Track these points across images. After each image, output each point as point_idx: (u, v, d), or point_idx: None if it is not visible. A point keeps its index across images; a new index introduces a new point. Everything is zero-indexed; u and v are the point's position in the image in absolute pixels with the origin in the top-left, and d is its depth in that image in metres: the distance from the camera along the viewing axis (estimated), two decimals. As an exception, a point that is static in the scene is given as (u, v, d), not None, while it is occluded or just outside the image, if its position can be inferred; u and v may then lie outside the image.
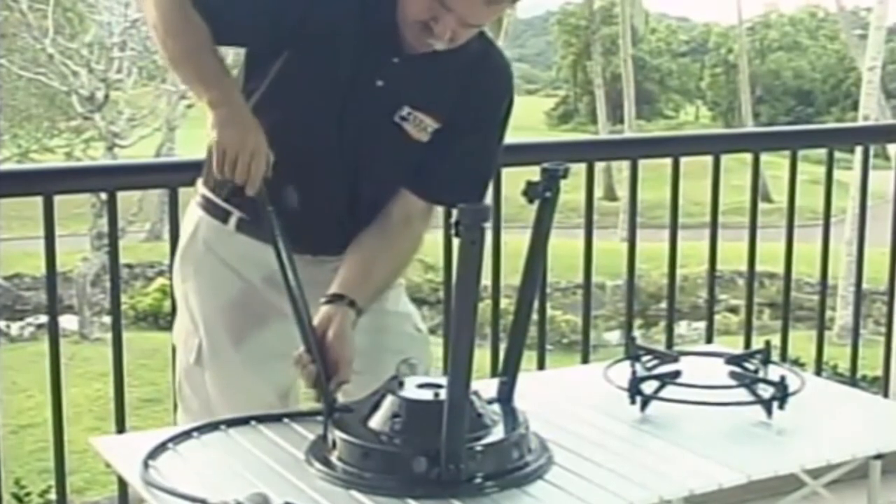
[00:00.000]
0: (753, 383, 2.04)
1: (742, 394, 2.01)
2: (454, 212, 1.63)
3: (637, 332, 5.40)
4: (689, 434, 1.91)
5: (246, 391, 2.11)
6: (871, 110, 15.12)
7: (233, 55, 2.75)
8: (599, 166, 4.46)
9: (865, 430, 2.03)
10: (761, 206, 3.52)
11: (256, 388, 2.11)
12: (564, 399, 2.08)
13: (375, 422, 1.72)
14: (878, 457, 1.94)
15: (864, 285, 3.98)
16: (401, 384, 1.77)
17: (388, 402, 1.73)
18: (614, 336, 13.01)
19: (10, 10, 16.80)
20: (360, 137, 2.05)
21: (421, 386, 1.76)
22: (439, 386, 1.72)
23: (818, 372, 3.66)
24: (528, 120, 29.50)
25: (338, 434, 1.73)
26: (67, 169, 5.36)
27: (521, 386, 1.88)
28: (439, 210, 2.40)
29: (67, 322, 13.94)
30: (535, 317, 2.17)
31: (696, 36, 39.04)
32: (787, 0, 44.81)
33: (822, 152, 3.63)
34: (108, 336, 3.20)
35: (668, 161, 3.32)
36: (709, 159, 3.37)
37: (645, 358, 2.14)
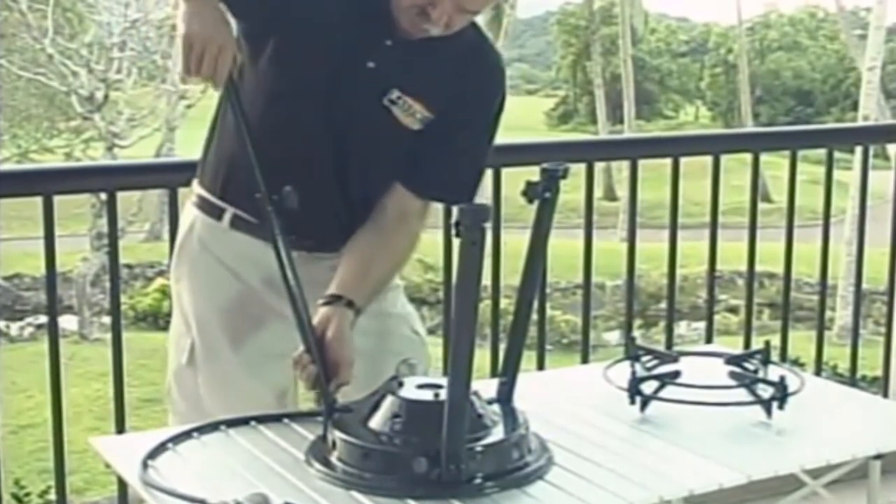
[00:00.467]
0: (753, 383, 2.04)
1: (742, 394, 2.01)
2: (454, 212, 1.63)
3: (637, 332, 5.40)
4: (688, 434, 1.91)
5: (242, 393, 2.10)
6: (870, 110, 15.13)
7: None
8: (599, 166, 4.45)
9: (865, 430, 2.03)
10: (761, 206, 3.52)
11: (254, 390, 2.10)
12: (564, 399, 2.08)
13: (375, 422, 1.72)
14: (878, 457, 1.94)
15: (864, 285, 3.98)
16: (400, 384, 1.77)
17: (388, 403, 1.73)
18: (614, 336, 13.01)
19: (10, 10, 16.80)
20: (349, 119, 2.04)
21: (421, 386, 1.76)
22: (439, 386, 1.72)
23: (818, 372, 3.66)
24: (528, 120, 29.51)
25: (338, 434, 1.73)
26: (67, 169, 5.36)
27: (521, 386, 1.88)
28: (438, 209, 2.40)
29: (67, 322, 13.94)
30: (534, 317, 2.17)
31: (696, 36, 39.04)
32: (786, 0, 44.82)
33: (821, 152, 3.64)
34: (108, 336, 3.20)
35: (667, 161, 3.32)
36: (709, 159, 3.37)
37: (645, 358, 2.14)
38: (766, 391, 2.00)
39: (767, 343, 2.21)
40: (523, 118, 26.37)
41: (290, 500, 1.59)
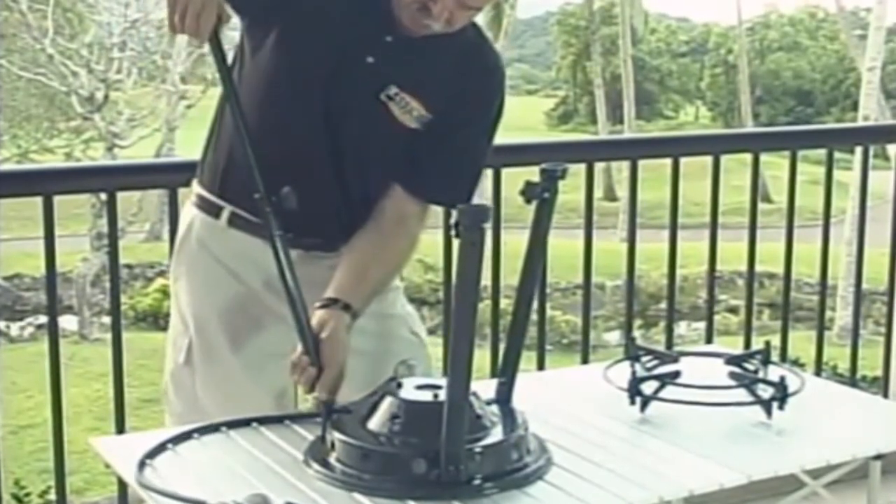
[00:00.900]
0: (753, 384, 2.04)
1: (742, 394, 2.01)
2: (454, 212, 1.63)
3: (637, 333, 5.40)
4: (688, 434, 1.91)
5: (240, 394, 2.10)
6: (870, 110, 15.13)
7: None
8: (599, 166, 4.45)
9: (865, 431, 2.03)
10: (761, 206, 3.52)
11: (251, 391, 2.10)
12: (564, 399, 2.07)
13: (374, 423, 1.72)
14: (878, 457, 1.94)
15: (864, 285, 3.98)
16: (399, 385, 1.77)
17: (388, 404, 1.73)
18: (614, 336, 13.01)
19: (10, 11, 16.81)
20: (346, 114, 2.03)
21: (420, 387, 1.76)
22: (438, 387, 1.72)
23: (818, 372, 3.66)
24: (528, 120, 29.52)
25: (337, 435, 1.73)
26: (67, 169, 5.37)
27: (521, 386, 1.88)
28: (438, 210, 2.40)
29: (67, 322, 13.94)
30: (534, 317, 2.17)
31: (696, 36, 39.04)
32: (786, 0, 44.81)
33: (821, 152, 3.63)
34: (108, 336, 3.20)
35: (667, 161, 3.32)
36: (709, 159, 3.37)
37: (645, 358, 2.14)
38: (766, 391, 2.00)
39: (768, 343, 2.21)
40: (523, 118, 26.38)
41: (290, 500, 1.58)
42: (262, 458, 1.78)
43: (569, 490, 1.69)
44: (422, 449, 1.65)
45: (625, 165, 4.23)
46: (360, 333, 1.98)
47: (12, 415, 10.65)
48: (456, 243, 1.62)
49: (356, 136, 2.05)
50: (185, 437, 1.85)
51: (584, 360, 3.30)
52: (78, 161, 15.53)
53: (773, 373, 2.07)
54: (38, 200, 2.61)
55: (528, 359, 1.93)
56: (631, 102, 24.72)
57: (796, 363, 4.78)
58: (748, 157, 3.45)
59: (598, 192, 9.46)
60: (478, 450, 1.67)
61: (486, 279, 1.77)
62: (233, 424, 1.90)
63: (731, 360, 2.16)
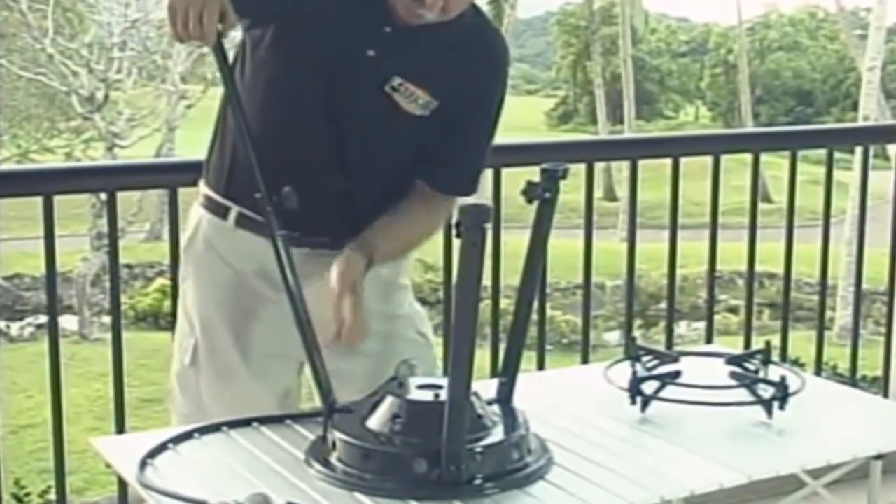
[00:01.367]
0: (754, 383, 2.04)
1: (742, 394, 2.01)
2: (454, 212, 1.63)
3: (637, 333, 5.40)
4: (689, 434, 1.91)
5: (244, 394, 2.09)
6: (870, 110, 15.13)
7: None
8: (599, 166, 4.46)
9: (865, 431, 2.03)
10: (761, 206, 3.52)
11: (256, 391, 2.09)
12: (564, 399, 2.08)
13: (375, 423, 1.72)
14: (879, 457, 1.94)
15: (864, 285, 3.98)
16: (401, 385, 1.77)
17: (389, 403, 1.73)
18: (614, 336, 13.01)
19: (10, 10, 16.81)
20: (350, 108, 2.03)
21: (421, 387, 1.76)
22: (439, 387, 1.72)
23: (818, 372, 3.66)
24: (528, 120, 29.51)
25: (338, 435, 1.73)
26: (67, 169, 5.37)
27: (521, 386, 1.88)
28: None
29: (67, 322, 13.95)
30: (534, 317, 2.16)
31: (696, 36, 39.03)
32: (787, 0, 44.79)
33: (822, 152, 3.63)
34: (108, 336, 3.20)
35: (668, 161, 3.32)
36: (709, 159, 3.37)
37: (645, 358, 2.14)
38: (766, 391, 2.00)
39: (768, 343, 2.21)
40: (523, 118, 26.36)
41: (291, 500, 1.58)
42: (263, 457, 1.78)
43: (569, 490, 1.69)
44: (423, 449, 1.65)
45: (625, 165, 4.23)
46: (371, 337, 1.98)
47: (12, 415, 10.65)
48: (457, 243, 1.62)
49: (361, 131, 2.05)
50: (185, 436, 1.85)
51: (585, 360, 3.30)
52: (78, 161, 15.54)
53: (774, 373, 2.07)
54: (38, 200, 2.60)
55: (528, 359, 1.93)
56: (631, 102, 24.71)
57: (796, 363, 4.77)
58: (748, 157, 3.45)
59: (598, 192, 9.45)
60: (479, 450, 1.67)
61: (486, 279, 1.77)
62: (233, 424, 1.90)
63: (732, 359, 2.16)
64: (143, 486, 1.68)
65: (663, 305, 5.52)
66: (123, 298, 5.90)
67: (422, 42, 2.02)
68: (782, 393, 1.96)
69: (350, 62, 2.02)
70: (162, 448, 1.80)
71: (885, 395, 3.72)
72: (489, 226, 1.62)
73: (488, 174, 2.67)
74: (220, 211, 2.12)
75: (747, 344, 3.45)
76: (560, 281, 14.38)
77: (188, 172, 2.29)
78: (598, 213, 3.35)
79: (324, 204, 2.03)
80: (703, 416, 1.95)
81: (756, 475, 1.77)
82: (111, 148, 16.74)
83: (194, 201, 2.20)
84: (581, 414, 1.99)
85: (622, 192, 21.66)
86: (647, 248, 4.84)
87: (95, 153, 17.23)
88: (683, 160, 3.33)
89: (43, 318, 13.44)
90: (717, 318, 4.27)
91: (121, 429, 2.71)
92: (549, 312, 3.83)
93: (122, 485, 2.65)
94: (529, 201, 1.79)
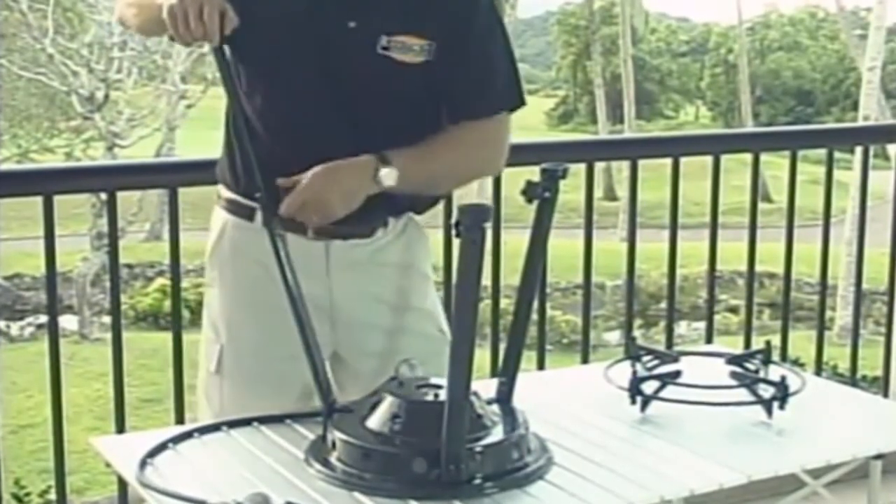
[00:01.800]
0: (754, 383, 2.04)
1: (742, 394, 2.01)
2: (454, 212, 1.63)
3: (637, 332, 5.41)
4: (689, 434, 1.91)
5: (267, 396, 2.05)
6: (871, 110, 15.13)
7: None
8: (599, 166, 4.46)
9: (865, 430, 2.03)
10: (761, 206, 3.52)
11: (279, 393, 2.06)
12: (564, 399, 2.07)
13: (375, 422, 1.72)
14: (879, 457, 1.94)
15: (864, 285, 3.98)
16: (400, 384, 1.77)
17: (388, 403, 1.73)
18: (614, 336, 13.01)
19: (10, 10, 16.81)
20: (352, 82, 2.02)
21: (421, 386, 1.76)
22: (439, 386, 1.72)
23: (818, 372, 3.66)
24: (528, 120, 29.48)
25: (338, 435, 1.73)
26: (67, 169, 5.36)
27: (521, 386, 1.88)
28: (439, 209, 2.39)
29: (67, 322, 13.95)
30: (534, 317, 2.16)
31: (696, 36, 39.06)
32: (787, 0, 44.83)
33: (822, 152, 3.63)
34: (108, 336, 3.20)
35: (668, 161, 3.32)
36: (709, 159, 3.37)
37: (645, 358, 2.14)
38: (766, 391, 2.00)
39: (768, 343, 2.21)
40: (523, 118, 26.18)
41: (291, 500, 1.58)
42: (263, 457, 1.78)
43: (569, 489, 1.69)
44: (422, 448, 1.65)
45: (625, 165, 4.23)
46: (378, 332, 2.01)
47: (12, 414, 10.66)
48: (456, 243, 1.62)
49: (371, 100, 2.03)
50: (185, 436, 1.85)
51: (585, 360, 3.30)
52: (78, 161, 15.55)
53: (774, 372, 2.07)
54: (38, 200, 2.60)
55: (528, 358, 1.93)
56: (631, 102, 24.71)
57: (796, 363, 4.77)
58: (748, 157, 3.45)
59: (598, 192, 9.46)
60: (478, 449, 1.67)
61: (486, 279, 1.77)
62: (233, 424, 1.90)
63: (732, 359, 2.16)
64: (142, 485, 1.68)
65: (663, 305, 5.52)
66: (123, 298, 5.91)
67: None
68: (782, 393, 1.96)
69: (335, 40, 2.00)
70: (162, 448, 1.80)
71: (885, 395, 3.72)
72: (489, 225, 1.62)
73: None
74: (244, 213, 2.09)
75: (747, 344, 3.45)
76: (560, 281, 14.39)
77: (188, 172, 2.29)
78: (598, 213, 3.35)
79: None
80: (703, 415, 1.95)
81: (756, 475, 1.77)
82: (111, 148, 16.74)
83: (214, 206, 2.18)
84: (581, 414, 1.99)
85: (622, 191, 21.67)
86: (647, 247, 4.84)
87: (95, 153, 17.23)
88: (683, 160, 3.33)
89: (43, 318, 13.46)
90: (717, 317, 4.27)
91: (121, 428, 2.71)
92: (549, 312, 3.83)
93: (122, 484, 2.65)
94: (529, 201, 1.80)
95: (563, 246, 4.34)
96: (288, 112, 2.04)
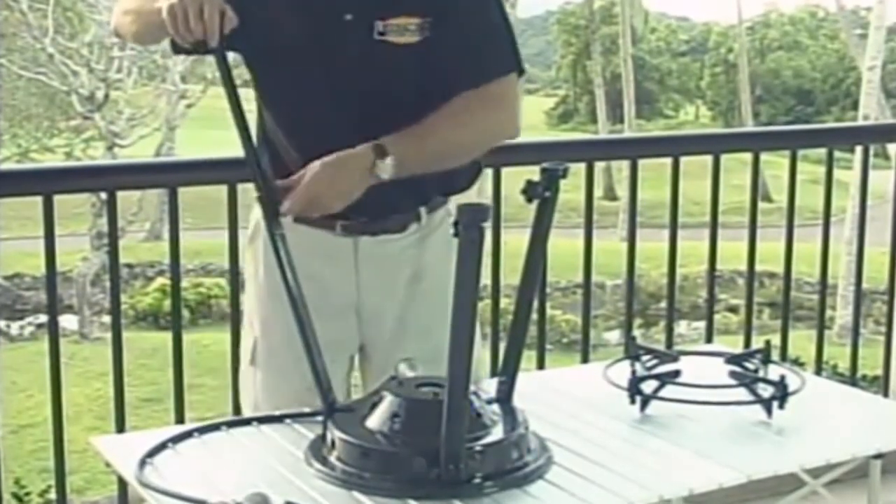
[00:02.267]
0: (753, 383, 2.04)
1: (742, 393, 2.01)
2: (454, 212, 1.63)
3: (637, 332, 5.40)
4: (689, 434, 1.91)
5: (295, 389, 2.04)
6: (871, 110, 15.13)
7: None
8: (599, 166, 4.46)
9: (865, 430, 2.03)
10: (761, 205, 3.52)
11: (308, 388, 2.06)
12: (564, 399, 2.07)
13: (375, 422, 1.72)
14: (878, 456, 1.94)
15: (864, 285, 3.98)
16: (400, 384, 1.77)
17: (388, 402, 1.73)
18: (614, 336, 13.02)
19: (10, 10, 16.81)
20: (355, 73, 2.03)
21: (420, 386, 1.76)
22: (439, 386, 1.72)
23: (818, 372, 3.66)
24: (528, 119, 29.39)
25: (337, 434, 1.73)
26: (67, 169, 5.35)
27: (521, 386, 1.88)
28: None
29: (67, 322, 13.96)
30: (534, 316, 2.16)
31: (696, 35, 39.06)
32: (786, 0, 44.81)
33: (822, 152, 3.63)
34: (108, 336, 3.20)
35: (668, 161, 3.32)
36: (709, 159, 3.37)
37: (645, 357, 2.14)
38: (766, 390, 2.00)
39: (768, 342, 2.21)
40: (523, 118, 26.26)
41: (290, 499, 1.58)
42: (263, 456, 1.78)
43: (569, 489, 1.69)
44: (422, 447, 1.65)
45: (625, 165, 4.23)
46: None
47: (12, 414, 10.66)
48: (456, 242, 1.62)
49: (376, 86, 2.03)
50: (185, 435, 1.85)
51: (584, 360, 3.30)
52: (78, 160, 15.55)
53: (774, 372, 2.07)
54: (38, 200, 2.61)
55: (528, 358, 1.93)
56: (631, 102, 24.72)
57: (796, 362, 4.77)
58: (748, 156, 3.45)
59: (598, 192, 9.46)
60: (478, 448, 1.67)
61: (486, 278, 1.77)
62: (233, 423, 1.90)
63: (732, 359, 2.16)
64: (142, 485, 1.68)
65: (663, 305, 5.52)
66: (123, 298, 5.91)
67: None
68: (782, 392, 1.96)
69: (333, 34, 2.01)
70: (162, 447, 1.80)
71: (885, 394, 3.72)
72: (488, 225, 1.62)
73: (488, 173, 2.66)
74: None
75: (747, 343, 3.46)
76: (560, 280, 14.39)
77: (188, 172, 2.30)
78: (598, 213, 3.35)
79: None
80: (703, 415, 1.95)
81: (755, 474, 1.77)
82: (111, 147, 16.75)
83: (254, 202, 2.15)
84: (581, 413, 1.99)
85: (622, 191, 21.67)
86: (647, 247, 4.84)
87: (95, 153, 17.24)
88: (683, 159, 3.33)
89: (43, 318, 13.46)
90: (717, 317, 4.27)
91: (121, 428, 2.71)
92: (549, 312, 3.83)
93: (122, 484, 2.65)
94: (529, 200, 1.79)
95: (563, 245, 4.34)
96: (292, 108, 2.06)
